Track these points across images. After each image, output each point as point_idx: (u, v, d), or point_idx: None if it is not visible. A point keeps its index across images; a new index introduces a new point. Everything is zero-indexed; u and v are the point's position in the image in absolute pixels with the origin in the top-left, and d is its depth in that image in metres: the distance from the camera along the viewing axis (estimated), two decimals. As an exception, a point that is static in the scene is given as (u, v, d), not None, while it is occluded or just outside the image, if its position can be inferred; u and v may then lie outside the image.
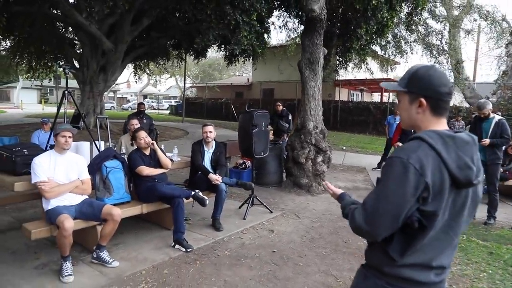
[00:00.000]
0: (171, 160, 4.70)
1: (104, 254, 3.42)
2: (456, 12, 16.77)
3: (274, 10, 13.08)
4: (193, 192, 4.09)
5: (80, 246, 3.80)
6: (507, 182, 6.48)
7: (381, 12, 9.31)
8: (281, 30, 24.20)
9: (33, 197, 4.11)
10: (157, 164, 4.24)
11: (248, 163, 6.91)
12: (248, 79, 30.77)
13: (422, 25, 15.79)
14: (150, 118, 7.57)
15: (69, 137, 3.34)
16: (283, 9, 13.13)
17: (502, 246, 4.23)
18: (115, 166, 3.91)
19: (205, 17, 9.60)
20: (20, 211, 4.97)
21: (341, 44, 11.07)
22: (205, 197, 4.13)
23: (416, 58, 65.10)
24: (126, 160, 4.15)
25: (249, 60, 14.90)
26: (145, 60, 18.06)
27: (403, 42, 16.07)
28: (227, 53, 13.42)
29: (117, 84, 47.76)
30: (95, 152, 4.46)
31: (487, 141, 4.94)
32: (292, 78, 20.36)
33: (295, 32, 15.75)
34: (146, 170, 4.06)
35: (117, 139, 5.98)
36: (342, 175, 8.36)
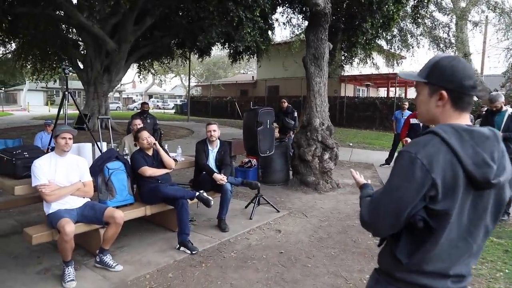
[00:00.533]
0: (175, 160, 4.62)
1: (107, 258, 3.34)
2: (463, 4, 16.47)
3: (278, 7, 12.94)
4: (197, 193, 4.00)
5: (83, 250, 3.73)
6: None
7: (387, 5, 9.12)
8: (285, 26, 24.09)
9: (36, 200, 4.05)
10: (160, 164, 4.15)
11: (254, 161, 6.80)
12: (253, 76, 30.62)
13: (429, 18, 15.51)
14: (154, 117, 7.49)
15: (69, 138, 3.26)
16: (286, 5, 13.00)
17: (518, 243, 4.09)
18: (117, 168, 3.83)
19: (207, 14, 9.49)
20: (24, 214, 4.92)
21: (346, 39, 10.89)
22: (210, 198, 4.03)
23: (422, 51, 64.47)
24: (129, 161, 4.07)
25: (253, 57, 14.78)
26: (149, 60, 18.04)
27: (409, 35, 15.82)
28: (231, 50, 13.32)
29: (122, 84, 47.99)
30: (98, 154, 4.38)
31: (500, 134, 4.77)
32: (297, 74, 20.18)
33: (299, 28, 15.59)
34: (149, 171, 3.97)
35: (122, 139, 5.91)
36: (349, 172, 8.21)
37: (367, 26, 9.60)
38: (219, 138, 4.80)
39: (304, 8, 11.70)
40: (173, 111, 35.67)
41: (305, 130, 6.62)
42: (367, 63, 16.78)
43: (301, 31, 15.52)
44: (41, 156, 3.36)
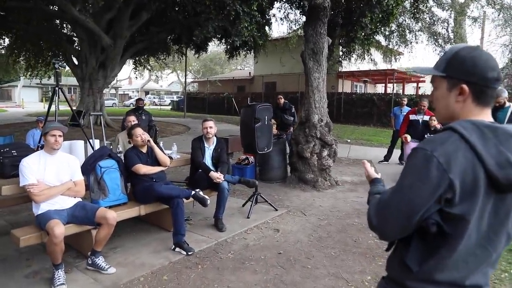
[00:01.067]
0: (170, 157, 4.48)
1: (100, 260, 3.22)
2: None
3: (275, 2, 12.78)
4: (193, 192, 3.87)
5: (75, 251, 3.61)
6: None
7: (386, 0, 8.99)
8: (282, 22, 23.93)
9: (26, 200, 3.87)
10: (155, 162, 4.02)
11: (251, 158, 6.68)
12: (250, 72, 30.45)
13: (427, 13, 15.38)
14: (149, 114, 7.35)
15: (59, 136, 3.12)
16: (284, 0, 12.83)
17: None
18: (110, 166, 3.69)
19: (204, 9, 9.32)
20: (15, 214, 4.77)
21: (345, 34, 10.75)
22: (206, 197, 3.91)
23: (420, 47, 64.35)
24: (123, 158, 3.93)
25: (250, 53, 14.63)
26: (145, 56, 17.82)
27: (407, 31, 15.69)
28: (228, 46, 13.16)
29: (118, 80, 47.69)
30: (90, 151, 4.24)
31: None
32: (294, 70, 20.05)
33: (296, 24, 15.43)
34: (143, 169, 3.84)
35: (116, 136, 5.76)
36: (348, 169, 8.12)
37: (366, 21, 9.46)
38: (215, 135, 4.67)
39: (301, 3, 11.54)
40: (170, 107, 35.45)
41: (303, 126, 6.50)
42: (365, 59, 16.63)
43: (298, 27, 15.36)
44: (30, 154, 3.22)
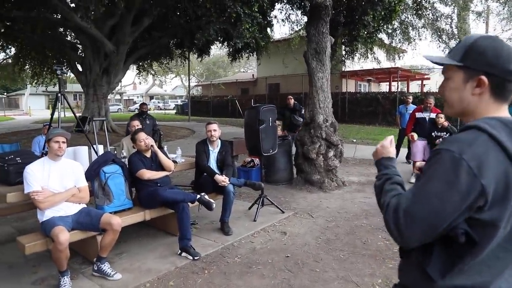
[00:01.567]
0: (175, 161, 4.46)
1: (105, 266, 3.19)
2: (465, -6, 16.22)
3: (276, 3, 12.76)
4: (198, 196, 3.84)
5: (81, 257, 3.58)
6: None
7: (389, -4, 8.94)
8: (284, 23, 23.87)
9: (32, 207, 3.82)
10: (159, 167, 3.99)
11: (257, 161, 6.64)
12: (253, 75, 30.44)
13: (430, 10, 15.24)
14: (154, 118, 7.34)
15: (63, 142, 3.10)
16: (284, 1, 12.81)
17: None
18: (114, 171, 3.67)
19: (205, 12, 9.32)
20: (22, 220, 4.78)
21: (348, 33, 10.69)
22: (212, 200, 3.87)
23: (424, 44, 64.03)
24: (127, 164, 3.91)
25: (252, 55, 14.63)
26: (148, 61, 17.88)
27: (410, 28, 15.57)
28: (231, 49, 13.16)
29: (123, 86, 47.91)
30: (94, 157, 4.22)
31: None
32: (297, 71, 20.00)
33: (298, 25, 15.40)
34: (148, 174, 3.81)
35: (121, 141, 5.76)
36: (355, 169, 8.05)
37: (368, 19, 9.38)
38: (219, 138, 4.63)
39: (302, 3, 11.49)
40: (174, 111, 35.54)
41: (308, 127, 6.44)
42: (368, 57, 16.55)
43: (300, 28, 15.32)
44: (34, 161, 3.20)
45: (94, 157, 4.18)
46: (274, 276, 3.21)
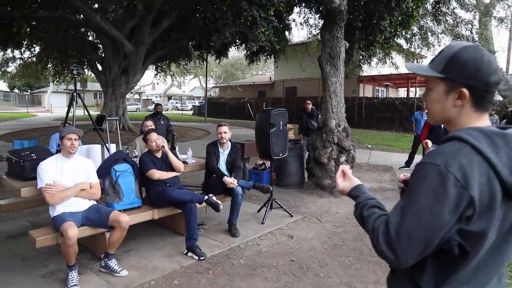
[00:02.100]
0: (185, 162, 4.52)
1: (112, 263, 3.26)
2: (487, 0, 15.82)
3: (295, 6, 12.77)
4: (206, 197, 3.88)
5: (90, 253, 3.67)
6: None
7: (406, 2, 8.81)
8: (302, 27, 23.85)
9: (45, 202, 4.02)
10: (169, 167, 4.05)
11: (268, 163, 6.66)
12: (270, 77, 30.48)
13: (450, 15, 14.94)
14: (168, 119, 7.45)
15: (75, 139, 3.20)
16: (303, 4, 12.81)
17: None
18: (125, 170, 3.75)
19: (221, 15, 9.41)
20: (36, 215, 4.92)
21: (364, 38, 10.60)
22: (219, 202, 3.91)
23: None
24: (138, 163, 3.99)
25: (270, 58, 14.66)
26: (166, 62, 18.12)
27: (429, 34, 15.30)
28: (248, 51, 13.24)
29: (142, 86, 48.69)
30: (107, 155, 4.32)
31: None
32: (314, 75, 19.89)
33: (316, 28, 15.34)
34: (157, 174, 3.88)
35: (134, 140, 5.86)
36: (367, 175, 7.97)
37: (385, 24, 9.28)
38: (230, 140, 4.68)
39: (320, 8, 11.47)
40: (191, 112, 35.89)
41: (320, 131, 6.43)
42: (386, 62, 16.35)
43: (318, 31, 15.28)
44: (48, 157, 3.31)
45: (107, 155, 4.27)
46: (278, 279, 3.22)
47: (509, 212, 0.96)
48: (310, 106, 8.58)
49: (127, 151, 4.52)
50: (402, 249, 0.95)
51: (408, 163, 8.52)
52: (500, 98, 16.81)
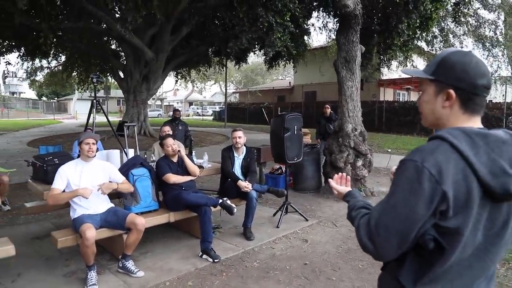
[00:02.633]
0: (201, 167, 4.62)
1: (129, 264, 3.37)
2: (512, -1, 15.38)
3: (313, 11, 12.81)
4: (220, 200, 3.96)
5: (109, 254, 3.80)
6: None
7: (424, 4, 8.69)
8: (321, 31, 23.79)
9: (68, 204, 4.18)
10: (185, 171, 4.16)
11: (285, 168, 6.68)
12: (290, 82, 30.50)
13: (472, 16, 14.59)
14: (186, 124, 7.60)
15: (93, 143, 3.34)
16: (321, 9, 12.82)
17: None
18: (142, 174, 3.88)
19: (238, 21, 9.55)
20: (60, 217, 5.10)
21: (382, 41, 10.50)
22: (233, 205, 3.97)
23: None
24: (154, 167, 4.11)
25: (289, 63, 14.72)
26: (186, 68, 18.43)
27: (451, 36, 14.97)
28: (266, 57, 13.35)
29: (164, 92, 49.56)
30: (125, 160, 4.47)
31: None
32: (333, 79, 19.52)
33: (335, 32, 15.30)
34: (173, 178, 3.98)
35: (152, 146, 6.02)
36: (386, 179, 7.87)
37: (403, 27, 9.17)
38: (245, 145, 4.75)
39: (338, 12, 11.46)
40: (212, 117, 36.28)
41: (336, 136, 6.42)
42: (406, 66, 16.11)
43: (336, 36, 15.22)
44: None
45: (125, 160, 4.42)
46: (290, 282, 3.25)
47: (494, 215, 0.98)
48: (328, 111, 8.57)
49: (145, 156, 4.65)
50: (380, 240, 1.01)
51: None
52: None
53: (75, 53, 15.15)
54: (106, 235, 3.36)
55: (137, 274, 3.32)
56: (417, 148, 1.03)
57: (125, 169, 3.81)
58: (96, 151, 3.46)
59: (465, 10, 12.40)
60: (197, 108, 49.00)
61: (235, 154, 4.67)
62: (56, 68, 20.95)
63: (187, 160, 4.17)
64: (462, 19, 12.91)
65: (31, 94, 54.10)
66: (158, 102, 52.31)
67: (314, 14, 13.38)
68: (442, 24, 14.08)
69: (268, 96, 28.79)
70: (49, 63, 19.09)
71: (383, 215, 1.02)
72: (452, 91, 1.04)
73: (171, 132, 5.25)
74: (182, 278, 3.32)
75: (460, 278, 1.02)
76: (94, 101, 4.70)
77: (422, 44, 15.15)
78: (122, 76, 15.57)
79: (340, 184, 1.48)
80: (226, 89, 24.77)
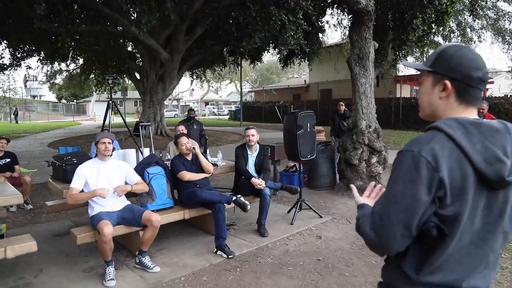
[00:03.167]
0: (215, 165, 4.68)
1: (146, 260, 3.46)
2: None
3: (327, 9, 12.75)
4: (234, 197, 4.01)
5: (127, 251, 3.91)
6: None
7: (439, -1, 8.55)
8: (336, 28, 23.64)
9: (87, 203, 4.30)
10: (199, 169, 4.23)
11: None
12: (305, 80, 30.39)
13: (491, 9, 14.24)
14: (201, 123, 7.70)
15: (109, 143, 3.44)
16: (335, 6, 12.75)
17: None
18: (157, 172, 3.96)
19: (251, 20, 9.59)
20: (80, 215, 5.25)
21: (397, 37, 10.36)
22: (247, 202, 4.02)
23: (485, 46, 60.00)
24: (169, 166, 4.19)
25: (304, 61, 14.68)
26: (201, 68, 18.59)
27: (469, 30, 14.65)
28: (280, 55, 13.36)
29: (181, 92, 50.04)
30: (141, 159, 4.56)
31: None
32: (349, 77, 19.37)
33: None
34: (188, 175, 4.06)
35: (168, 145, 6.12)
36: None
37: (417, 22, 9.02)
38: (258, 143, 4.79)
39: (350, 8, 11.37)
40: (228, 117, 36.47)
41: (351, 133, 6.39)
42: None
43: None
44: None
45: (141, 159, 4.52)
46: (303, 277, 3.28)
47: (491, 202, 1.01)
48: (343, 108, 8.53)
49: (160, 155, 4.75)
50: (384, 231, 1.03)
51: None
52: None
53: (92, 55, 15.46)
54: (123, 231, 3.46)
55: (154, 270, 3.40)
56: (413, 139, 1.06)
57: (140, 168, 3.90)
58: (113, 151, 3.55)
59: (483, 3, 12.12)
60: (213, 108, 49.29)
61: (249, 152, 4.71)
62: (74, 71, 21.44)
63: (201, 158, 4.24)
64: (480, 12, 12.61)
65: (51, 97, 55.51)
66: (175, 103, 52.88)
67: (328, 11, 13.32)
68: (459, 18, 13.79)
69: (283, 94, 28.75)
70: (67, 66, 19.55)
71: (385, 207, 1.05)
72: (448, 82, 1.07)
73: (185, 131, 5.34)
74: (197, 274, 3.39)
75: (460, 266, 1.04)
76: (110, 102, 4.81)
77: (439, 39, 14.88)
78: (138, 77, 15.81)
79: (369, 195, 1.36)
80: (241, 88, 24.92)
